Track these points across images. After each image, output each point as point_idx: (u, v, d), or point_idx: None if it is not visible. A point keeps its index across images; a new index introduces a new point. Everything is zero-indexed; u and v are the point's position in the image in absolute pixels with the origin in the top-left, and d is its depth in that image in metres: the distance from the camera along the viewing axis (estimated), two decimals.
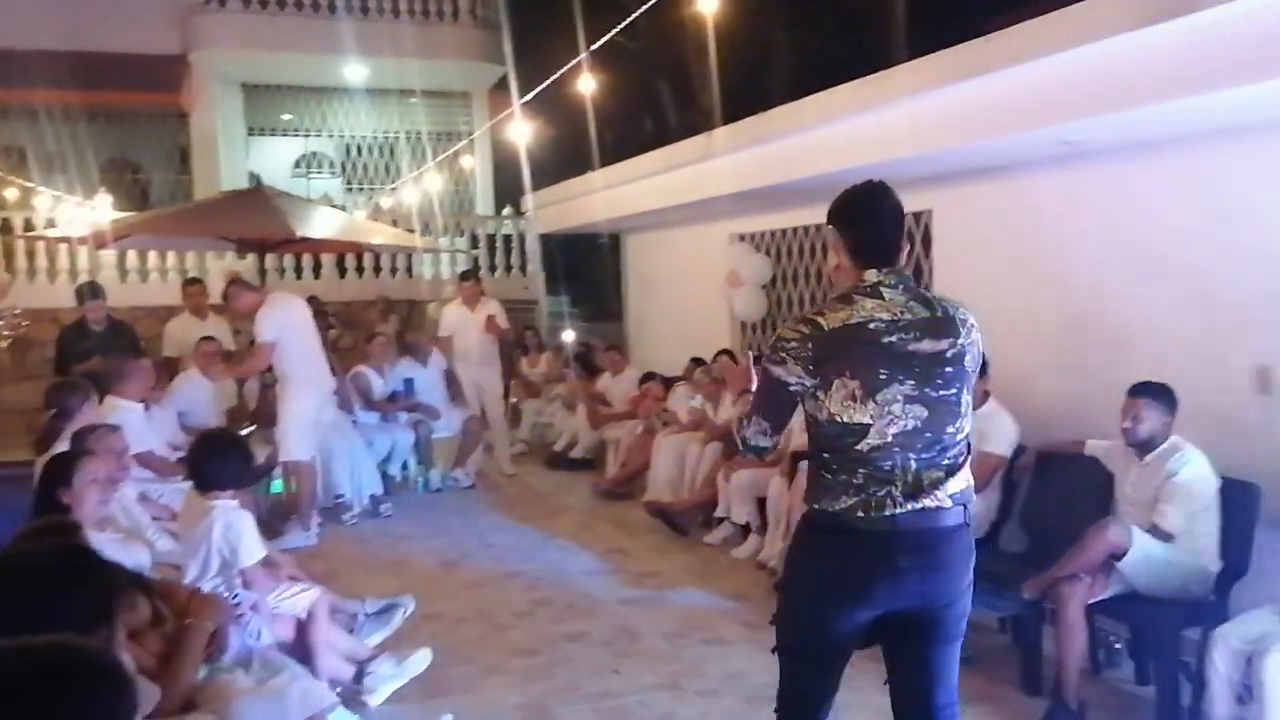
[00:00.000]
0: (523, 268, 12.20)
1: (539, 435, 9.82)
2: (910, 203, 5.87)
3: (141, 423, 5.69)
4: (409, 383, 8.06)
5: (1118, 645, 4.28)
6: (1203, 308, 4.24)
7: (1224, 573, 3.78)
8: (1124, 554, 3.64)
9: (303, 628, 4.01)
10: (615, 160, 8.62)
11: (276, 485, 7.50)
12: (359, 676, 4.03)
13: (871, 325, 2.38)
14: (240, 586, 3.62)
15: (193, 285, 8.09)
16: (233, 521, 3.64)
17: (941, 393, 2.40)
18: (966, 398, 2.46)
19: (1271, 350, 3.97)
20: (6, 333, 9.64)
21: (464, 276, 8.75)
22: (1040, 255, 5.11)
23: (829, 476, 2.44)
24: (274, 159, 14.23)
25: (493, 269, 12.02)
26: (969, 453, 2.49)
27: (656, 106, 15.60)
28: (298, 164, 14.78)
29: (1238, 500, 3.79)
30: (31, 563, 1.91)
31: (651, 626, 4.88)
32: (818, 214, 6.85)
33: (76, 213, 10.36)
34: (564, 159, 11.24)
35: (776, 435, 2.58)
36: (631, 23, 5.79)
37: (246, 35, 12.42)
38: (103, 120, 13.03)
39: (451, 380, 8.38)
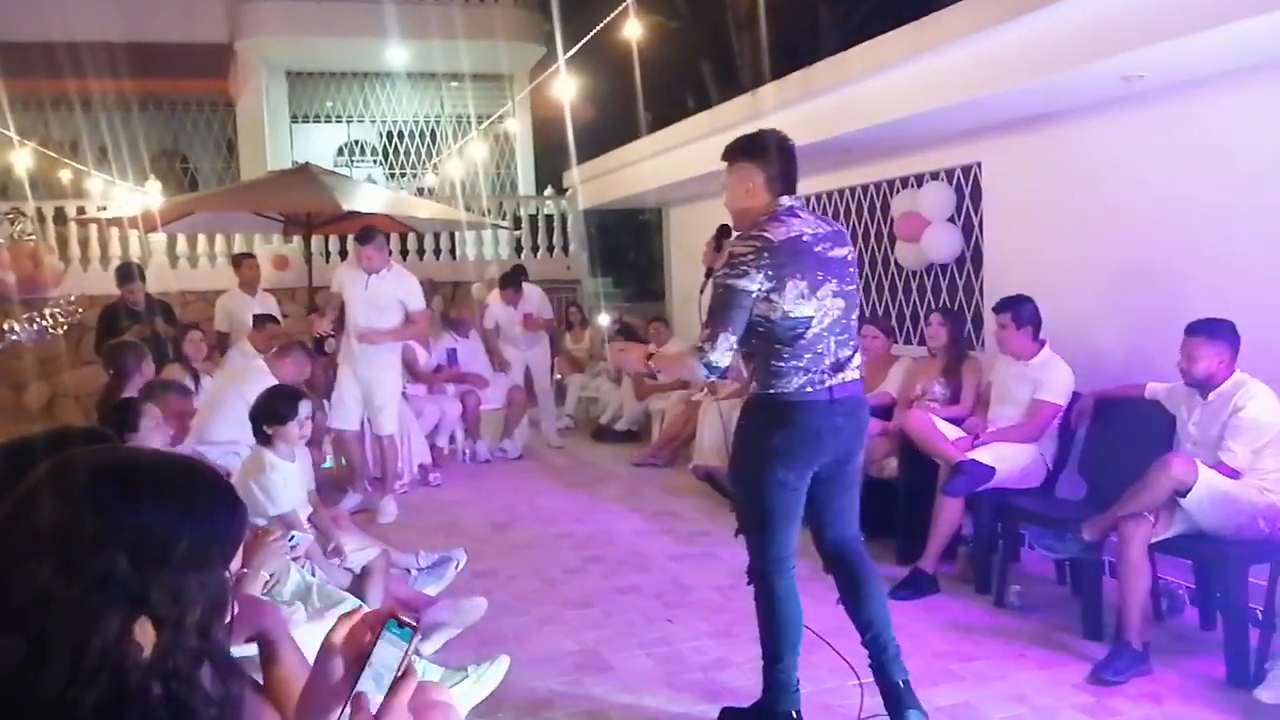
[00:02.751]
0: (565, 248, 12.22)
1: (584, 410, 9.86)
2: (959, 156, 5.89)
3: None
4: (452, 353, 8.14)
5: (1180, 592, 4.21)
6: (1265, 244, 4.13)
7: None
8: (1188, 490, 3.57)
9: (359, 579, 4.07)
10: (659, 129, 8.60)
11: (327, 462, 7.61)
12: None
13: (805, 238, 3.03)
14: (293, 528, 3.69)
15: (248, 259, 8.19)
16: (270, 470, 3.81)
17: (848, 288, 3.11)
18: (857, 293, 3.19)
19: None
20: (62, 319, 9.90)
21: (503, 283, 8.62)
22: (1093, 203, 5.00)
23: (781, 364, 3.02)
24: (317, 146, 14.36)
25: (535, 249, 12.07)
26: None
27: (699, 78, 15.48)
28: (340, 151, 14.92)
29: None
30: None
31: (702, 580, 4.87)
32: (863, 174, 6.82)
33: (128, 198, 10.55)
34: (607, 133, 11.24)
35: (737, 349, 3.03)
36: None
37: (291, 21, 12.56)
38: (152, 109, 13.25)
39: (491, 351, 8.43)
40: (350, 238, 7.81)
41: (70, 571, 1.00)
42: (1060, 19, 4.04)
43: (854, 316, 3.15)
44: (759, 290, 2.95)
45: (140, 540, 1.03)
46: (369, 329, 6.17)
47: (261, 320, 7.15)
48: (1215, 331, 3.81)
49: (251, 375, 5.39)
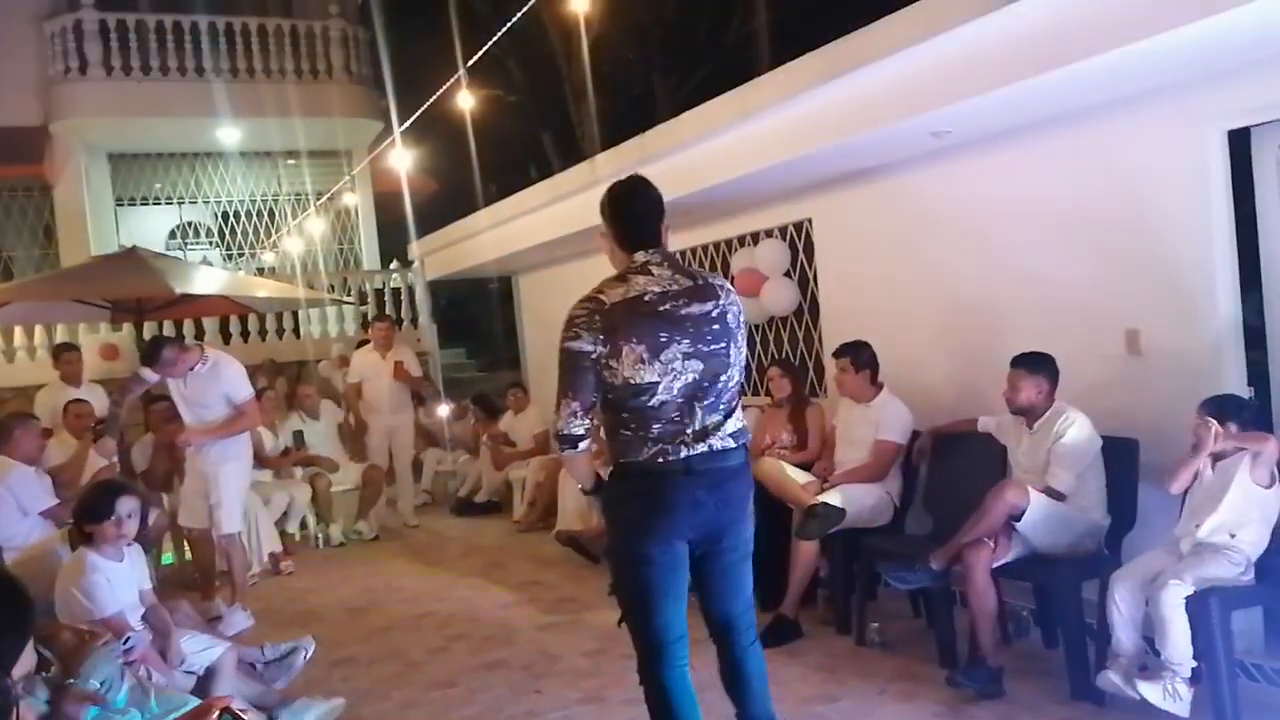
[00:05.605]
0: (414, 320, 12.04)
1: (442, 484, 9.64)
2: (790, 213, 6.15)
3: (34, 481, 5.39)
4: (299, 435, 7.86)
5: (1025, 614, 4.42)
6: (1072, 282, 4.45)
7: (1114, 526, 3.95)
8: (1021, 514, 3.77)
9: (204, 680, 3.84)
10: (504, 198, 8.65)
11: (166, 557, 7.18)
12: None
13: (646, 298, 2.77)
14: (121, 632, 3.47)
15: (70, 352, 7.73)
16: (92, 571, 3.61)
17: (713, 347, 2.80)
18: (734, 350, 2.85)
19: (1138, 314, 4.18)
20: None
21: (378, 318, 8.66)
22: (917, 251, 5.29)
23: (629, 434, 2.80)
24: (146, 230, 13.68)
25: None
26: (741, 397, 2.93)
27: (540, 148, 15.74)
28: (173, 234, 14.31)
29: (1120, 457, 3.97)
30: None
31: (571, 647, 4.81)
32: (704, 235, 7.02)
33: None
34: (450, 205, 11.22)
35: (588, 417, 2.79)
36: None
37: (110, 102, 12.02)
38: None
39: (352, 426, 8.19)
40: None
41: None
42: (869, 81, 4.29)
43: (724, 378, 2.81)
44: (595, 351, 2.73)
45: None
46: (191, 427, 5.76)
47: (70, 404, 6.76)
48: (1037, 365, 4.07)
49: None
